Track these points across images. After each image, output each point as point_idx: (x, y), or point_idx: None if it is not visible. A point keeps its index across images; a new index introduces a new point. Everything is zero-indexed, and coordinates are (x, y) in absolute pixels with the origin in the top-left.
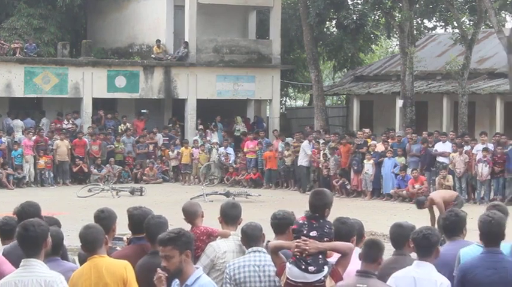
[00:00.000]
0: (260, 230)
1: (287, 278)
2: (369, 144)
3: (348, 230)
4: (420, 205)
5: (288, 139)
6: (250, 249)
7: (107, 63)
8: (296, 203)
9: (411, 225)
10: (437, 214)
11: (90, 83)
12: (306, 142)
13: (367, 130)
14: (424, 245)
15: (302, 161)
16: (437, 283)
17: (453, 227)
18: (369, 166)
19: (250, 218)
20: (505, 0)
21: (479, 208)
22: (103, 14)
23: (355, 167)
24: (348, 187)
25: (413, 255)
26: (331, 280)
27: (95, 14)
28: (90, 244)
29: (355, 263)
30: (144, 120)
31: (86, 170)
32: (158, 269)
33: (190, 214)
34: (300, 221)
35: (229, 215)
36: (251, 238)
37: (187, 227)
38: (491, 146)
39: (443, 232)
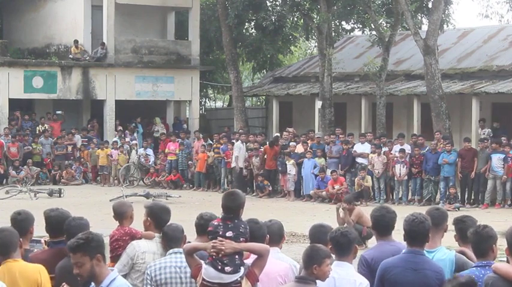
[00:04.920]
0: (181, 232)
1: (203, 278)
2: (290, 144)
3: (261, 230)
4: (348, 201)
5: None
6: (171, 250)
7: (24, 64)
8: (217, 204)
9: (330, 226)
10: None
11: (7, 84)
12: (239, 143)
13: (291, 129)
14: (343, 243)
15: (238, 162)
16: (357, 283)
17: (386, 224)
18: (290, 166)
19: (171, 220)
20: (421, 3)
21: (397, 208)
22: (19, 14)
23: (280, 168)
24: (270, 188)
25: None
26: (247, 281)
27: (11, 14)
28: (4, 247)
29: (273, 263)
30: (59, 121)
31: (2, 171)
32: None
33: (118, 213)
34: (215, 223)
35: (162, 220)
36: (172, 239)
37: (114, 224)
38: (409, 147)
39: (375, 230)
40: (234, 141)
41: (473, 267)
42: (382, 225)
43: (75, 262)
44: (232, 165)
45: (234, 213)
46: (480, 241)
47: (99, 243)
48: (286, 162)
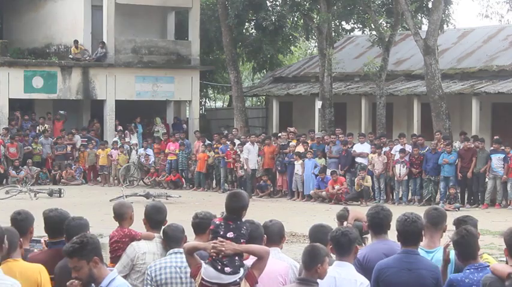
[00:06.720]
0: (182, 232)
1: (202, 278)
2: (290, 145)
3: (258, 230)
4: (341, 219)
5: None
6: (171, 250)
7: (24, 64)
8: (217, 204)
9: (330, 226)
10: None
11: (7, 84)
12: (249, 144)
13: (292, 129)
14: (344, 242)
15: (250, 164)
16: (358, 283)
17: (380, 222)
18: (298, 166)
19: (171, 220)
20: (421, 3)
21: (397, 208)
22: (19, 14)
23: (279, 168)
24: (272, 188)
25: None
26: (246, 282)
27: (11, 14)
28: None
29: (273, 263)
30: (62, 121)
31: (2, 171)
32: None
33: (118, 214)
34: (217, 222)
35: (154, 220)
36: (172, 239)
37: (114, 224)
38: (409, 148)
39: (370, 228)
40: (234, 141)
41: (467, 270)
42: (376, 223)
43: (73, 266)
44: (243, 168)
45: (237, 214)
46: (468, 246)
47: (95, 245)
48: (295, 162)
